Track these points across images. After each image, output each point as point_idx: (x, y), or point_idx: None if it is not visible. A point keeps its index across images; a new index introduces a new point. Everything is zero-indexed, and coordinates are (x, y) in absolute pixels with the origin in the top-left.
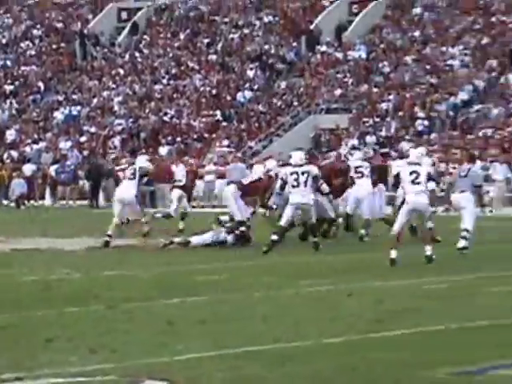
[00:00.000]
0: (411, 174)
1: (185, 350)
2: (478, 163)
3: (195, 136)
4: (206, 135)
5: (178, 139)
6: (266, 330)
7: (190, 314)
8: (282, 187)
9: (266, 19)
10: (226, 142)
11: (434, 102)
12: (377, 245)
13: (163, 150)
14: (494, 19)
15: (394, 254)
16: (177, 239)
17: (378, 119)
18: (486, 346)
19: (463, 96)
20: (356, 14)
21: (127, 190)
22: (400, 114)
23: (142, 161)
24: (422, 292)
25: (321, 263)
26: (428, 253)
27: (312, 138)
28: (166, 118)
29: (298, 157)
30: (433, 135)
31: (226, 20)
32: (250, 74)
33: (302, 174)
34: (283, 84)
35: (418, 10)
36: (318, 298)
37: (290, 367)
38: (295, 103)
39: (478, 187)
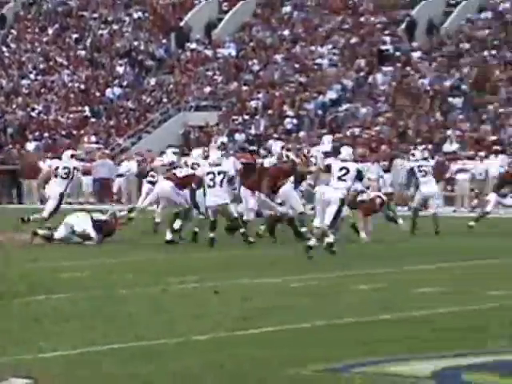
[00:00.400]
0: (341, 169)
1: (49, 348)
2: None
3: (63, 132)
4: (74, 131)
5: (46, 135)
6: (131, 327)
7: (55, 311)
8: (198, 185)
9: (135, 15)
10: (94, 139)
11: (302, 100)
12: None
13: (30, 146)
14: (362, 19)
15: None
16: (40, 231)
17: (247, 117)
18: (352, 343)
19: (332, 95)
20: (226, 12)
21: (54, 187)
22: (269, 112)
23: (68, 156)
24: (290, 289)
25: (188, 260)
26: (310, 243)
27: (181, 135)
28: (33, 114)
29: (215, 156)
30: (301, 133)
31: (95, 15)
32: (120, 70)
33: (219, 173)
34: (153, 81)
35: (287, 9)
36: (185, 295)
37: (157, 364)
38: (165, 100)
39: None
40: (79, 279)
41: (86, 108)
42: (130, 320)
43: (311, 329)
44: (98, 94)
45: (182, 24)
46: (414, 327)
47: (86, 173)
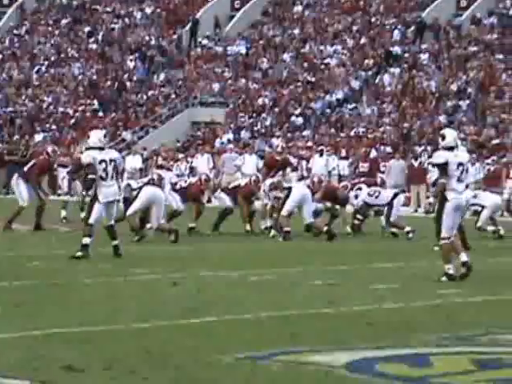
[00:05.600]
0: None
1: None
2: None
3: (71, 124)
4: (82, 124)
5: (54, 127)
6: (79, 313)
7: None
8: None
9: (147, 10)
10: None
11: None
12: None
13: (38, 137)
14: (373, 19)
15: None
16: None
17: (254, 114)
18: (286, 333)
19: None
20: (237, 9)
21: None
22: (276, 110)
23: None
24: (248, 283)
25: (152, 252)
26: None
27: (188, 131)
28: (43, 105)
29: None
30: (306, 132)
31: (108, 9)
32: (130, 64)
33: (110, 162)
34: (162, 76)
35: (299, 8)
36: (144, 286)
37: (90, 348)
38: (173, 95)
39: None
40: (48, 268)
41: (95, 101)
42: (80, 307)
43: (250, 320)
44: (107, 87)
45: (193, 20)
46: (350, 321)
47: None
